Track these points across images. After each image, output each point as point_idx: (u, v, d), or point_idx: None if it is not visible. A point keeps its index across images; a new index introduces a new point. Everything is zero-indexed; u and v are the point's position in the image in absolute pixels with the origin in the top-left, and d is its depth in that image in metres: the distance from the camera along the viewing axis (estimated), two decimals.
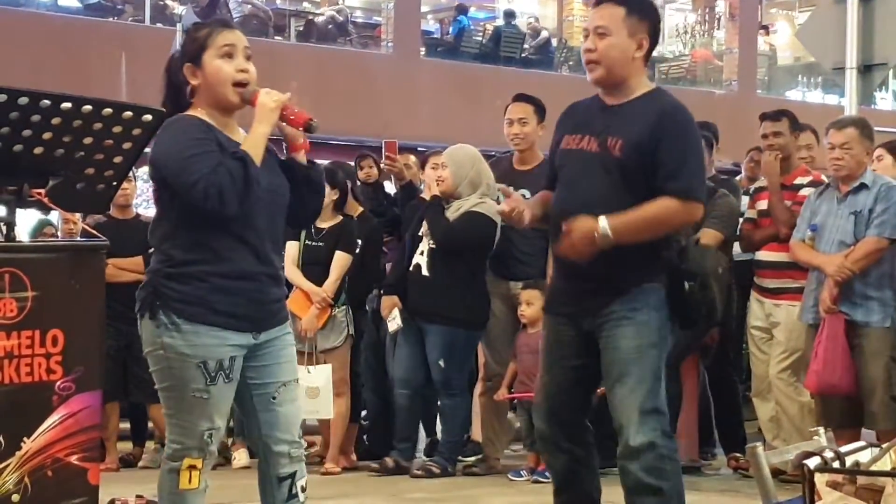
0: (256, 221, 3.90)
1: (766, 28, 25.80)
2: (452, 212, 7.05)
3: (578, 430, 4.57)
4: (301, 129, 3.96)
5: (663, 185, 4.34)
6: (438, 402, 7.41)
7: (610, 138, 4.39)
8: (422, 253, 7.12)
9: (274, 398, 3.99)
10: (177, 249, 3.90)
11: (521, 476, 7.00)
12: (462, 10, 22.60)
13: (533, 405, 4.67)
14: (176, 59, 4.02)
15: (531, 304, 6.95)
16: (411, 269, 7.15)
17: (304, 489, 4.05)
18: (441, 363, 7.04)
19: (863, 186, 6.26)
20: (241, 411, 4.11)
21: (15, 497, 3.94)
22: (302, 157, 4.08)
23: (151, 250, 7.42)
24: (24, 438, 3.98)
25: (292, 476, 4.02)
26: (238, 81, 3.91)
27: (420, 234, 7.15)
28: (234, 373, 3.90)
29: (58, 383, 4.06)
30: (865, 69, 7.85)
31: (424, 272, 7.08)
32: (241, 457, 7.78)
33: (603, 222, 4.26)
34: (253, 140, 3.88)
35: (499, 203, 7.09)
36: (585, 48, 4.47)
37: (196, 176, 3.74)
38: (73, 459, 4.09)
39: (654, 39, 4.49)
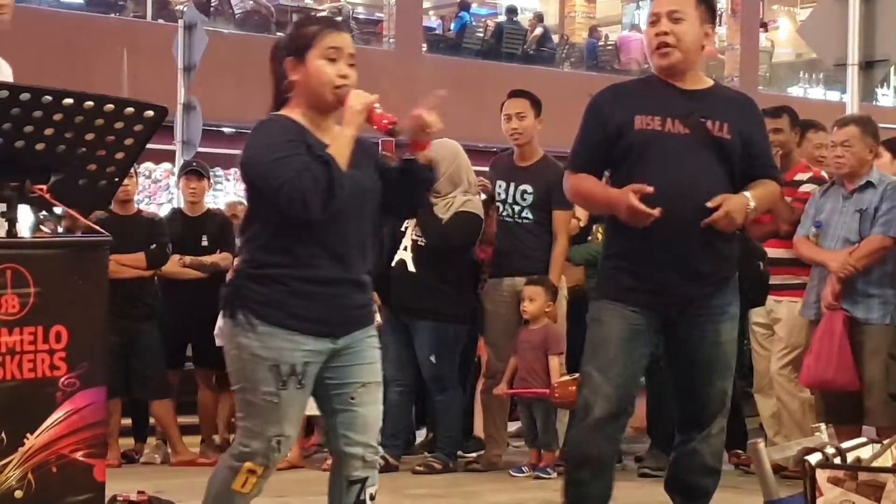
0: (342, 225, 3.84)
1: (765, 25, 25.81)
2: (441, 210, 7.01)
3: (627, 420, 4.69)
4: (384, 133, 3.90)
5: (765, 171, 4.53)
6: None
7: (710, 122, 4.39)
8: (405, 248, 7.09)
9: (353, 398, 3.91)
10: (260, 251, 3.88)
11: (523, 472, 7.00)
12: (464, 6, 22.61)
13: (591, 395, 4.50)
14: (280, 48, 3.96)
15: (533, 300, 6.96)
16: (394, 265, 7.09)
17: (373, 497, 3.96)
18: (432, 359, 7.03)
19: (869, 184, 6.26)
20: (322, 413, 4.04)
21: (18, 493, 3.94)
22: (422, 156, 4.03)
23: (153, 246, 7.57)
24: (28, 435, 3.97)
25: (363, 481, 3.93)
26: (338, 86, 3.87)
27: (403, 229, 7.13)
28: (306, 379, 3.84)
29: (62, 379, 4.05)
30: (867, 65, 7.85)
31: (410, 268, 7.05)
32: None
33: (749, 196, 4.37)
34: (339, 143, 3.82)
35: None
36: (658, 31, 4.39)
37: (281, 181, 3.70)
38: (79, 455, 4.08)
39: (714, 25, 4.55)
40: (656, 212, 4.26)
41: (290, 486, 6.29)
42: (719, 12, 25.50)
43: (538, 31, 22.04)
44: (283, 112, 3.93)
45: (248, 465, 3.85)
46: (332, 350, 3.88)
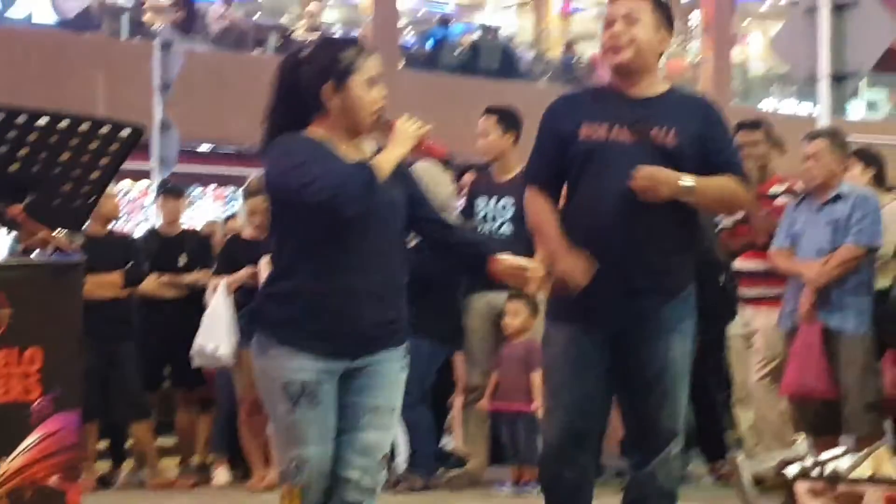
0: (366, 236, 3.79)
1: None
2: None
3: (596, 441, 4.50)
4: (440, 160, 3.98)
5: (724, 167, 4.32)
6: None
7: (656, 128, 4.27)
8: None
9: (359, 421, 3.85)
10: (276, 269, 3.89)
11: (504, 488, 6.99)
12: (445, 21, 22.67)
13: (547, 421, 4.46)
14: (308, 72, 3.89)
15: (517, 314, 6.95)
16: None
17: None
18: None
19: (840, 196, 6.31)
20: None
21: None
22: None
23: (129, 265, 7.54)
24: (2, 458, 3.95)
25: None
26: (378, 109, 3.88)
27: None
28: (320, 396, 3.78)
29: (35, 403, 4.02)
30: (838, 79, 7.89)
31: None
32: (220, 475, 7.76)
33: (688, 178, 4.20)
34: (385, 158, 3.82)
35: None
36: (611, 34, 4.31)
37: (311, 177, 3.67)
38: (52, 480, 4.05)
39: (670, 34, 4.41)
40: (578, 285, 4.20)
41: None
42: (691, 27, 25.68)
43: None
44: (303, 133, 3.88)
45: (284, 487, 3.82)
46: (347, 368, 3.83)
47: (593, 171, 4.30)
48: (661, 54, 4.40)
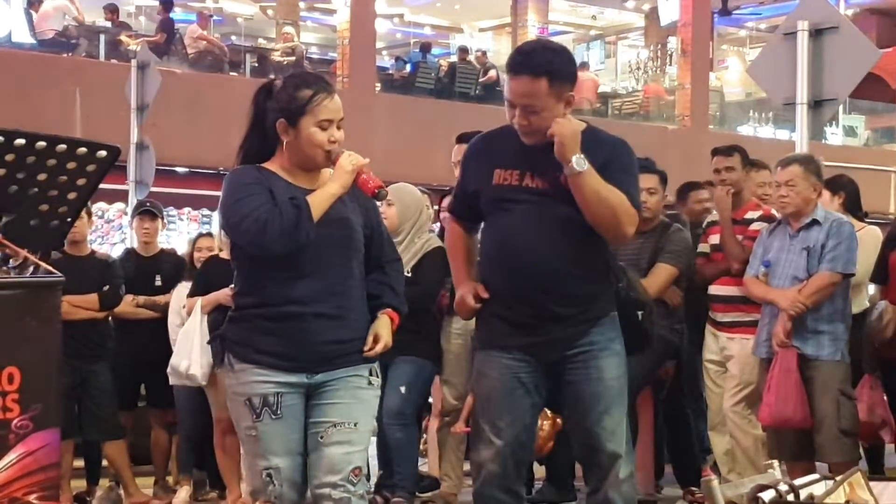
0: (317, 262, 3.96)
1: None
2: (405, 252, 6.99)
3: (527, 468, 4.62)
4: (370, 195, 4.09)
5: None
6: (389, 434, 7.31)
7: (561, 174, 4.32)
8: None
9: (321, 438, 3.97)
10: (237, 295, 4.09)
11: None
12: (425, 48, 22.75)
13: (486, 449, 4.48)
14: (271, 106, 4.05)
15: None
16: None
17: None
18: (402, 389, 6.96)
19: (814, 222, 6.32)
20: None
21: None
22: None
23: (106, 287, 7.51)
24: None
25: None
26: (328, 150, 4.02)
27: None
28: (282, 409, 3.94)
29: (14, 421, 4.01)
30: (816, 104, 7.93)
31: None
32: (181, 494, 7.76)
33: (586, 164, 4.23)
34: (320, 195, 3.98)
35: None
36: (517, 122, 4.35)
37: (238, 217, 3.89)
38: (32, 499, 4.04)
39: (574, 83, 4.43)
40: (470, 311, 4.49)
41: None
42: (669, 52, 25.81)
43: (492, 73, 22.13)
44: (266, 164, 4.05)
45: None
46: (308, 385, 3.98)
47: (507, 214, 4.42)
48: (568, 104, 4.38)
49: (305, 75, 4.18)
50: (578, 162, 4.25)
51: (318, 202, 3.95)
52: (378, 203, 4.26)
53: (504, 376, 4.44)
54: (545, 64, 4.30)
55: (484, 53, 23.45)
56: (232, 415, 4.08)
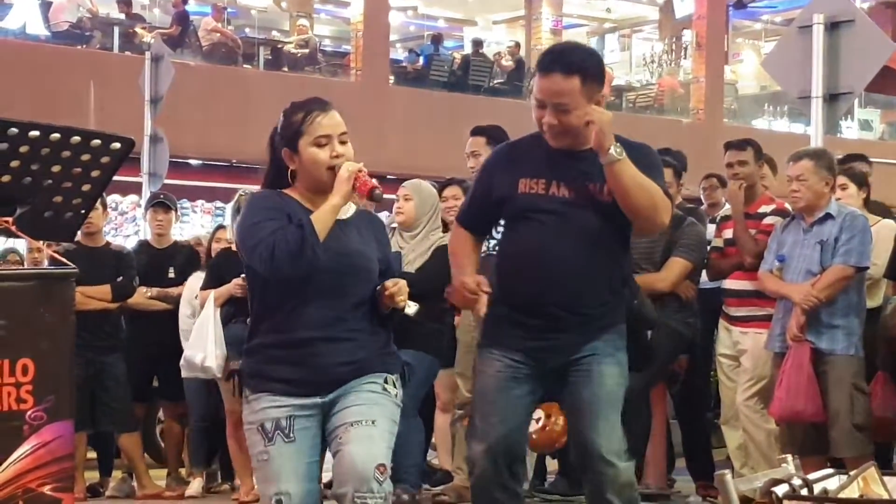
0: (322, 287, 3.95)
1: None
2: (413, 251, 6.99)
3: (522, 465, 4.60)
4: (366, 197, 4.04)
5: None
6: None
7: (592, 184, 4.32)
8: None
9: (341, 439, 3.91)
10: (251, 326, 4.10)
11: None
12: (437, 39, 22.72)
13: (478, 445, 4.48)
14: (276, 141, 4.09)
15: None
16: None
17: None
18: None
19: (828, 216, 6.29)
20: None
21: None
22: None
23: (119, 279, 7.53)
24: None
25: None
26: (331, 166, 4.00)
27: None
28: (294, 432, 3.92)
29: (29, 413, 4.02)
30: (831, 98, 7.90)
31: None
32: (193, 485, 7.78)
33: (623, 152, 4.22)
34: (322, 210, 3.96)
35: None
36: (546, 122, 4.33)
37: (254, 241, 3.89)
38: (46, 489, 4.05)
39: (603, 85, 4.41)
40: (482, 307, 4.39)
41: None
42: (684, 45, 25.75)
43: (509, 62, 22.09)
44: (287, 190, 4.07)
45: None
46: (323, 404, 3.96)
47: (534, 224, 4.40)
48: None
49: (300, 102, 4.15)
50: (616, 150, 4.23)
51: (321, 217, 3.93)
52: (372, 203, 4.18)
53: (501, 375, 4.45)
54: (578, 62, 4.29)
55: (517, 45, 23.40)
56: (248, 447, 4.07)
